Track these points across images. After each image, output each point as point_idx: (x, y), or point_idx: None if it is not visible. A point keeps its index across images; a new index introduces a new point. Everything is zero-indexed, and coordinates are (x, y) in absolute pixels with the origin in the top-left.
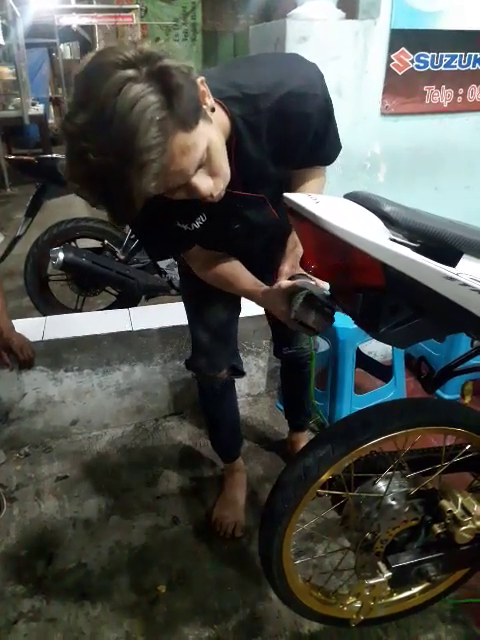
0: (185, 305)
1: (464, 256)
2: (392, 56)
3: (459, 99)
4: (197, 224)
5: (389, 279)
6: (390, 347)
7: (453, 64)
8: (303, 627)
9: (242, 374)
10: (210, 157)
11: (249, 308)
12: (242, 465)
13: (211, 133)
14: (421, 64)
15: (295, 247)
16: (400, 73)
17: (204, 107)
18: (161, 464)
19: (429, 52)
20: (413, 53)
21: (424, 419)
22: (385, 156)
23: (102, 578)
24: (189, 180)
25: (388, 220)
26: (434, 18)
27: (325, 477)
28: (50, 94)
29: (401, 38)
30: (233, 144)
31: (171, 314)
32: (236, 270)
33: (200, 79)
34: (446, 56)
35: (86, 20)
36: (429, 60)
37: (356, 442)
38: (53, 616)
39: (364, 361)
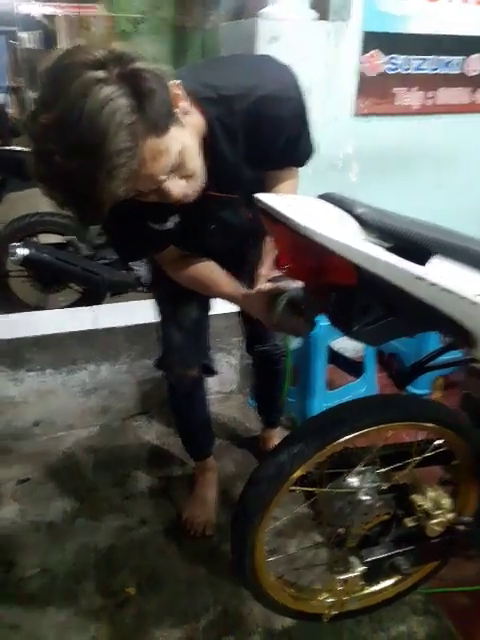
0: (156, 303)
1: (434, 256)
2: (364, 57)
3: (429, 102)
4: (170, 224)
5: (361, 279)
6: (360, 343)
7: (423, 67)
8: (276, 623)
9: (213, 373)
10: (183, 161)
11: (219, 305)
12: (214, 463)
13: (184, 137)
14: (393, 66)
15: (272, 249)
16: (372, 75)
17: (177, 111)
18: (129, 464)
19: (400, 55)
20: (385, 55)
21: (396, 415)
22: (357, 156)
23: (67, 582)
24: (160, 185)
25: (361, 222)
26: (403, 22)
27: (298, 473)
28: (9, 83)
29: (374, 40)
30: (208, 145)
31: (138, 312)
32: (213, 273)
33: (174, 82)
34: (416, 59)
35: (48, 9)
36: (400, 63)
37: (330, 438)
38: (15, 622)
39: (335, 357)
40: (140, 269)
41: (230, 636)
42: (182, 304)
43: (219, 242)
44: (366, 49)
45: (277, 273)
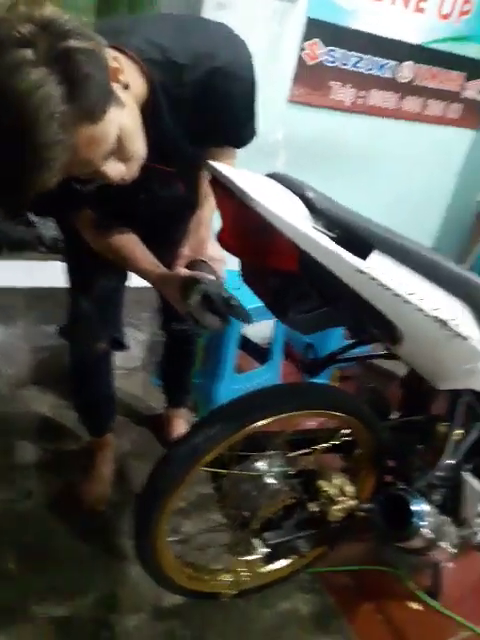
0: (67, 266)
1: (373, 251)
2: (305, 45)
3: (360, 100)
4: (93, 186)
5: (303, 266)
6: (268, 330)
7: (359, 65)
8: (164, 600)
9: (124, 347)
10: (122, 144)
11: (135, 278)
12: (112, 440)
13: (123, 118)
14: (331, 59)
15: (199, 228)
16: (310, 63)
17: (116, 87)
18: (17, 434)
19: (340, 48)
20: (325, 46)
21: (311, 403)
22: (286, 143)
23: None
24: (97, 169)
25: (310, 206)
26: (346, 16)
27: (212, 455)
28: None
29: (316, 28)
30: (149, 112)
31: (38, 273)
32: (132, 245)
33: (113, 55)
34: (354, 56)
35: None
36: (339, 57)
37: (246, 422)
38: None
39: (243, 342)
40: (43, 227)
41: (117, 614)
42: (98, 272)
43: (145, 214)
44: (308, 36)
45: (200, 257)
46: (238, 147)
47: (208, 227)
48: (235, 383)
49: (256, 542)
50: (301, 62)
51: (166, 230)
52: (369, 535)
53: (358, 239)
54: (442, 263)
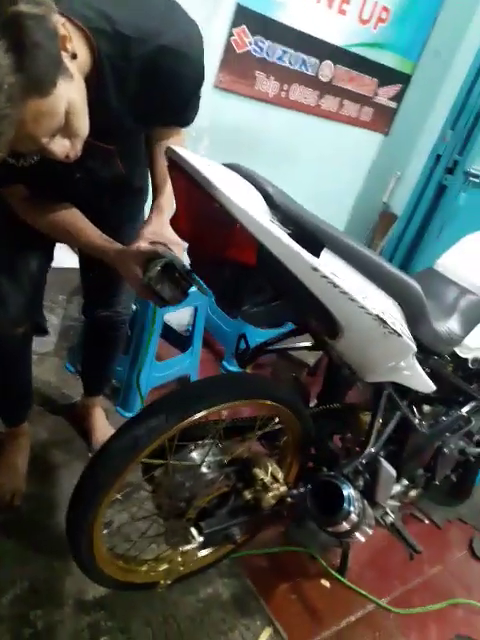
0: None
1: (324, 249)
2: (234, 31)
3: (282, 94)
4: (28, 161)
5: (261, 259)
6: (187, 318)
7: (284, 59)
8: (87, 594)
9: (45, 332)
10: (68, 120)
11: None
12: (27, 429)
13: (71, 91)
14: (258, 49)
15: (161, 213)
16: (238, 51)
17: (65, 56)
18: None
19: (266, 40)
20: (253, 35)
21: (248, 392)
22: (210, 129)
23: None
24: (42, 146)
25: (269, 201)
26: (275, 8)
27: (152, 447)
28: None
29: (244, 16)
30: (92, 86)
31: None
32: (78, 221)
33: (62, 22)
34: (280, 49)
35: None
36: (265, 48)
37: (188, 413)
38: None
39: (164, 330)
40: None
41: (38, 610)
42: (22, 253)
43: (81, 192)
44: (236, 22)
45: (159, 238)
46: (183, 126)
47: (169, 211)
48: (156, 370)
49: (193, 531)
50: (230, 49)
51: (105, 213)
52: (283, 519)
53: (310, 236)
54: (382, 264)
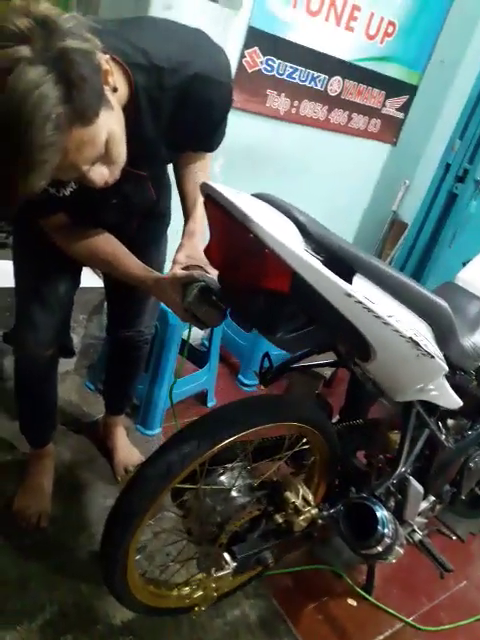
0: (16, 267)
1: (356, 274)
2: (246, 52)
3: (293, 110)
4: (68, 191)
5: (294, 287)
6: (202, 334)
7: (294, 76)
8: (115, 618)
9: (72, 354)
10: (108, 148)
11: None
12: (52, 450)
13: (112, 122)
14: (269, 68)
15: (192, 236)
16: (249, 71)
17: (107, 89)
18: None
19: (277, 59)
20: (264, 55)
21: (280, 415)
22: (224, 149)
23: None
24: (83, 173)
25: (301, 229)
26: (285, 28)
27: (186, 472)
28: None
29: (256, 37)
30: (130, 116)
31: None
32: (116, 250)
33: (105, 58)
34: (290, 67)
35: None
36: (276, 66)
37: (220, 438)
38: None
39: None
40: None
41: (68, 635)
42: (51, 277)
43: (115, 217)
44: (248, 45)
45: (193, 261)
46: (211, 151)
47: (201, 235)
48: (175, 387)
49: (226, 557)
50: (242, 69)
51: (133, 236)
52: (312, 539)
53: (342, 262)
54: (411, 285)
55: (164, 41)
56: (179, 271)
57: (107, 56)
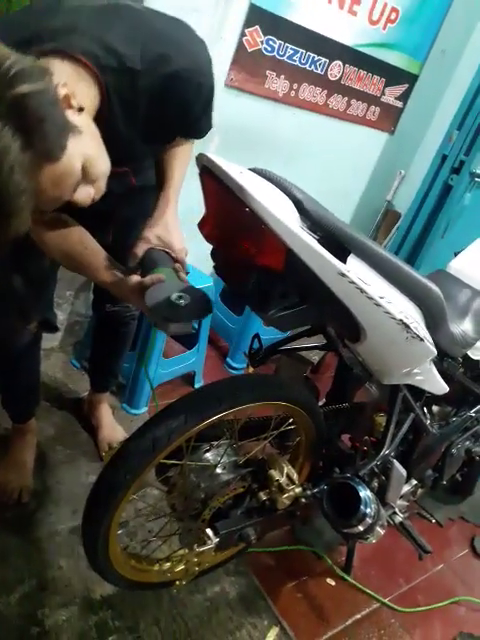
0: None
1: (350, 255)
2: (246, 31)
3: (292, 93)
4: None
5: (288, 265)
6: None
7: (294, 58)
8: (95, 592)
9: (55, 329)
10: (86, 170)
11: None
12: (34, 426)
13: (83, 145)
14: (269, 48)
15: (165, 211)
16: (249, 50)
17: (70, 114)
18: None
19: (278, 39)
20: (265, 35)
21: (268, 394)
22: (220, 128)
23: None
24: (68, 200)
25: (298, 207)
26: (287, 8)
27: (172, 448)
28: None
29: (257, 16)
30: (102, 119)
31: None
32: (86, 248)
33: (61, 83)
34: (291, 48)
35: None
36: (277, 47)
37: (208, 414)
38: None
39: None
40: None
41: (46, 608)
42: (34, 250)
43: (96, 209)
44: (249, 23)
45: (161, 245)
46: (197, 138)
47: (174, 211)
48: (162, 367)
49: (209, 532)
50: (241, 47)
51: (109, 216)
52: (295, 518)
53: (337, 242)
54: (405, 268)
55: (137, 37)
56: (134, 277)
57: (67, 65)
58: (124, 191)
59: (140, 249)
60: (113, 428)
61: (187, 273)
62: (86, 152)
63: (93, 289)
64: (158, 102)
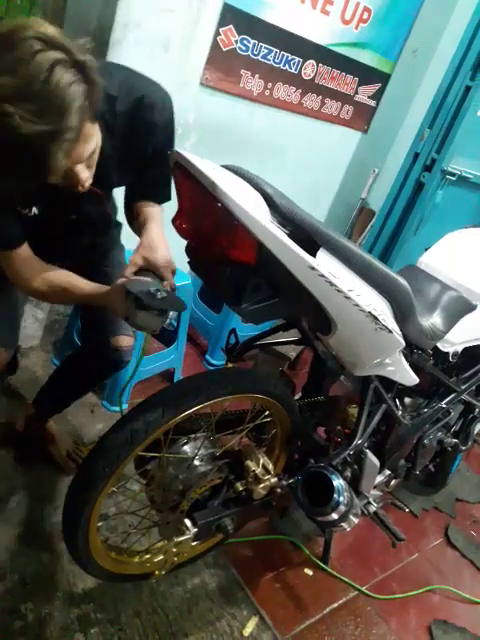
0: None
1: (320, 249)
2: (220, 30)
3: (267, 92)
4: (34, 211)
5: (260, 259)
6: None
7: (269, 57)
8: (77, 586)
9: (15, 369)
10: (94, 151)
11: None
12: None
13: (99, 130)
14: (243, 47)
15: (149, 233)
16: (224, 49)
17: None
18: None
19: (252, 38)
20: (239, 34)
21: (243, 387)
22: (196, 126)
23: None
24: (77, 165)
25: (268, 202)
26: (261, 7)
27: (150, 440)
28: None
29: (231, 15)
30: None
31: None
32: (70, 277)
33: None
34: (265, 48)
35: None
36: (251, 46)
37: (185, 407)
38: None
39: None
40: None
41: (28, 603)
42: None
43: (73, 233)
44: (223, 21)
45: (147, 265)
46: (158, 202)
47: (160, 235)
48: (141, 364)
49: (187, 523)
50: (216, 47)
51: (95, 245)
52: (271, 508)
53: (307, 236)
54: (373, 262)
55: (113, 73)
56: (122, 278)
57: None
58: (100, 222)
59: (127, 271)
60: (62, 438)
61: (173, 289)
62: (99, 134)
63: (82, 321)
64: (131, 127)
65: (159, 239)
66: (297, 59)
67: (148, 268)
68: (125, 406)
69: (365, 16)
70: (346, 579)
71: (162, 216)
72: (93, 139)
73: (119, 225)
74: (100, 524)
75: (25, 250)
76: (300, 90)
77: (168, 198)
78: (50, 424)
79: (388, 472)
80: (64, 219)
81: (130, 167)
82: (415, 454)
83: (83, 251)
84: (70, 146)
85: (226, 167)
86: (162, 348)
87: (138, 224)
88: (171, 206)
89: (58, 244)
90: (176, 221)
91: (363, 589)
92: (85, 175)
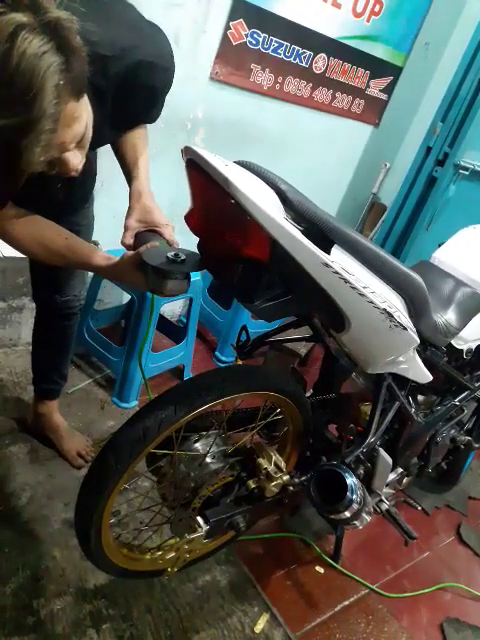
0: None
1: (334, 245)
2: (231, 24)
3: (277, 86)
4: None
5: (273, 256)
6: (179, 309)
7: (279, 51)
8: (89, 582)
9: None
10: (85, 130)
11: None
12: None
13: (88, 104)
14: (253, 41)
15: (140, 197)
16: (234, 43)
17: None
18: None
19: (262, 32)
20: (249, 28)
21: (256, 384)
22: (205, 121)
23: None
24: (65, 154)
25: (282, 198)
26: (273, 1)
27: (162, 437)
28: None
29: (242, 8)
30: None
31: None
32: (69, 239)
33: None
34: (276, 41)
35: None
36: (261, 40)
37: (196, 405)
38: None
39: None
40: None
41: (41, 599)
42: None
43: (58, 192)
44: (234, 15)
45: (145, 225)
46: (151, 122)
47: (149, 193)
48: (151, 361)
49: (199, 520)
50: (226, 41)
51: (73, 201)
52: (283, 506)
53: (321, 233)
54: (388, 259)
55: (109, 27)
56: (128, 253)
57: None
58: (83, 179)
59: (127, 238)
60: (73, 435)
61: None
62: (89, 111)
63: (31, 278)
64: (126, 88)
65: (150, 200)
66: (308, 53)
67: (147, 229)
68: (135, 403)
69: (377, 9)
70: (357, 577)
71: (148, 147)
72: (81, 120)
73: (95, 174)
74: (112, 521)
75: (8, 212)
76: (311, 84)
77: (158, 115)
78: (58, 418)
79: (400, 470)
80: (51, 185)
81: (125, 123)
82: (428, 452)
83: (58, 204)
84: (49, 137)
85: (239, 163)
86: (172, 345)
87: (124, 159)
88: (183, 203)
89: (33, 191)
90: (189, 218)
91: (374, 587)
92: (76, 160)
